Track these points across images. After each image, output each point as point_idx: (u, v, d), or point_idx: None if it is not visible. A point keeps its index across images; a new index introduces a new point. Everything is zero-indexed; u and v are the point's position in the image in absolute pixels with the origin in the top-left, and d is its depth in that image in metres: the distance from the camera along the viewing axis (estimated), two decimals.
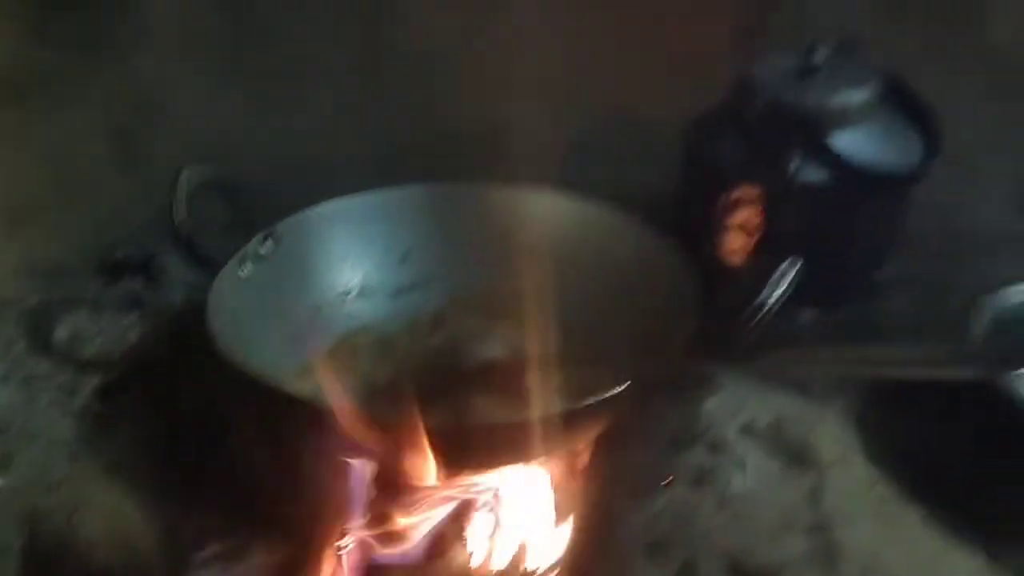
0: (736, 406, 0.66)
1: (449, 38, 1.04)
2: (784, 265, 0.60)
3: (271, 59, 1.03)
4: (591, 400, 0.59)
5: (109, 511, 0.62)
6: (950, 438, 0.63)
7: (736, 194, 0.79)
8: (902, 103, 0.82)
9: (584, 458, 0.67)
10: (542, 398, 0.67)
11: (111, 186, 0.90)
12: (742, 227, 0.80)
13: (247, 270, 0.72)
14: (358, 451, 0.65)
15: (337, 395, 0.71)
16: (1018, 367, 0.50)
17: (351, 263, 0.80)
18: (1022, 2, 1.03)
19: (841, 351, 0.57)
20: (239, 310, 0.69)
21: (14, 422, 0.69)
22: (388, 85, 1.03)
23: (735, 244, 0.81)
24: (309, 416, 0.62)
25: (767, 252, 0.79)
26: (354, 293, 0.80)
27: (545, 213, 0.81)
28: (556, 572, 0.62)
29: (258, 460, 0.65)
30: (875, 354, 0.54)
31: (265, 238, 0.74)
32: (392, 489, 0.70)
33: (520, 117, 1.04)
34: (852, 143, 0.75)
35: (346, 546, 0.67)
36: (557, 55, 1.04)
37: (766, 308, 0.59)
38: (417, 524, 0.69)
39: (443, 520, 0.69)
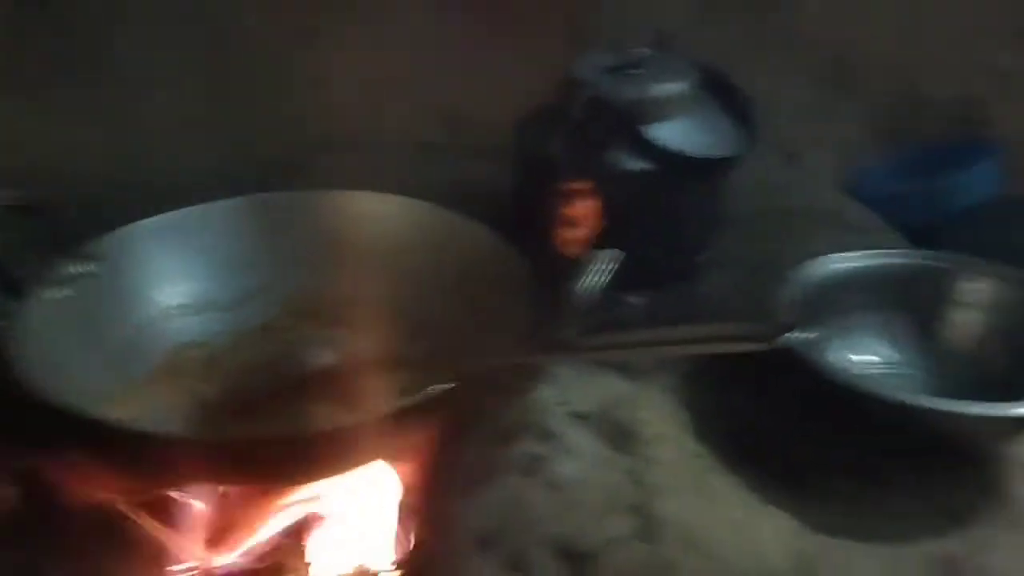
0: (564, 394, 0.67)
1: (285, 42, 1.03)
2: (602, 255, 0.62)
3: (99, 74, 0.99)
4: (417, 399, 0.59)
5: None
6: (761, 408, 0.66)
7: (567, 187, 0.81)
8: (719, 93, 0.85)
9: (419, 457, 0.67)
10: (374, 401, 0.67)
11: None
12: (575, 219, 0.82)
13: (62, 292, 0.68)
14: (189, 474, 0.63)
15: (162, 418, 0.69)
16: (802, 334, 0.52)
17: (180, 278, 0.78)
18: None
19: (652, 333, 0.58)
20: (51, 335, 0.66)
21: None
22: (227, 99, 1.01)
23: (570, 236, 0.83)
24: (126, 442, 0.59)
25: (597, 240, 0.81)
26: (182, 308, 0.77)
27: (377, 216, 0.81)
28: (394, 574, 0.62)
29: (74, 499, 0.62)
30: (680, 334, 0.56)
31: (81, 258, 0.71)
32: (228, 507, 0.68)
33: (357, 121, 1.04)
34: (670, 133, 0.78)
35: (183, 571, 0.65)
36: (396, 58, 1.04)
37: (587, 297, 0.61)
38: (257, 540, 0.67)
39: (283, 533, 0.67)
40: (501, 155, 0.97)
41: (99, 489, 0.63)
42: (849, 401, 0.60)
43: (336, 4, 1.04)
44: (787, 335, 0.50)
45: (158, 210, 0.77)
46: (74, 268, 0.70)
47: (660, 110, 0.80)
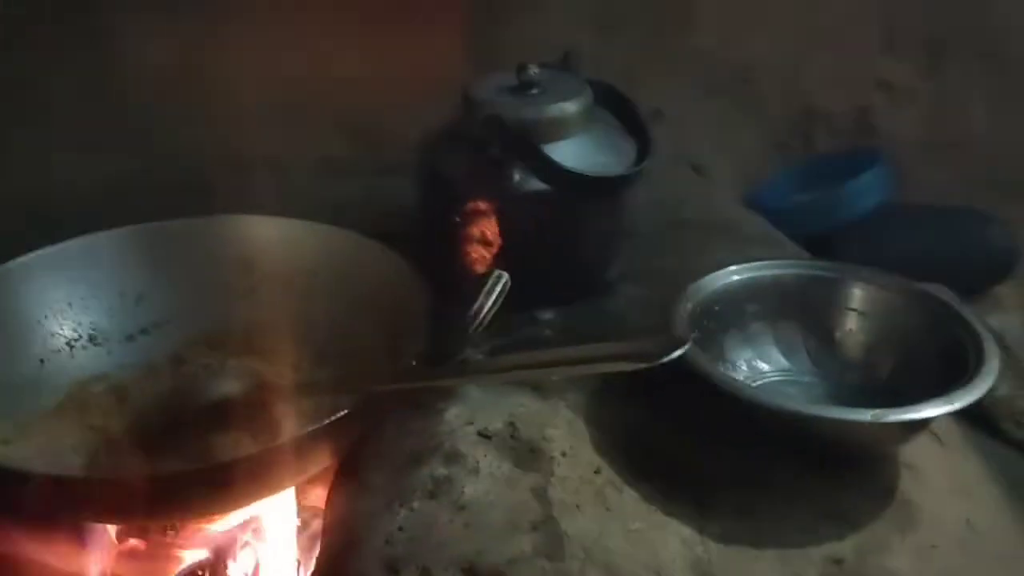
0: (473, 411, 0.68)
1: (177, 59, 1.01)
2: (492, 277, 0.63)
3: None
4: (319, 424, 0.59)
5: None
6: (660, 422, 0.68)
7: (469, 207, 0.82)
8: (615, 111, 0.87)
9: (325, 482, 0.67)
10: (280, 428, 0.66)
11: None
12: (478, 238, 0.83)
13: None
14: (93, 513, 0.62)
15: (59, 455, 0.68)
16: (691, 348, 0.54)
17: (77, 310, 0.76)
18: (723, 10, 1.13)
19: (548, 354, 0.60)
20: None
21: None
22: (121, 122, 0.99)
23: (474, 255, 0.84)
24: (21, 483, 0.58)
25: (501, 259, 0.82)
26: (83, 340, 0.76)
27: (279, 240, 0.81)
28: None
29: None
30: (575, 353, 0.57)
31: None
32: (139, 546, 0.67)
33: (259, 142, 1.03)
34: (569, 152, 0.79)
35: None
36: (296, 76, 1.03)
37: (479, 319, 0.61)
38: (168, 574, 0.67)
39: (195, 567, 0.67)
40: (405, 171, 0.98)
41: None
42: (741, 411, 0.63)
43: (232, 15, 1.02)
44: (674, 351, 0.51)
45: (51, 241, 0.76)
46: None
47: (558, 129, 0.81)
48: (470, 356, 0.66)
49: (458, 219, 0.83)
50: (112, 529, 0.68)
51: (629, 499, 0.62)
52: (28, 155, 0.98)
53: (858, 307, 0.75)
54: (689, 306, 0.71)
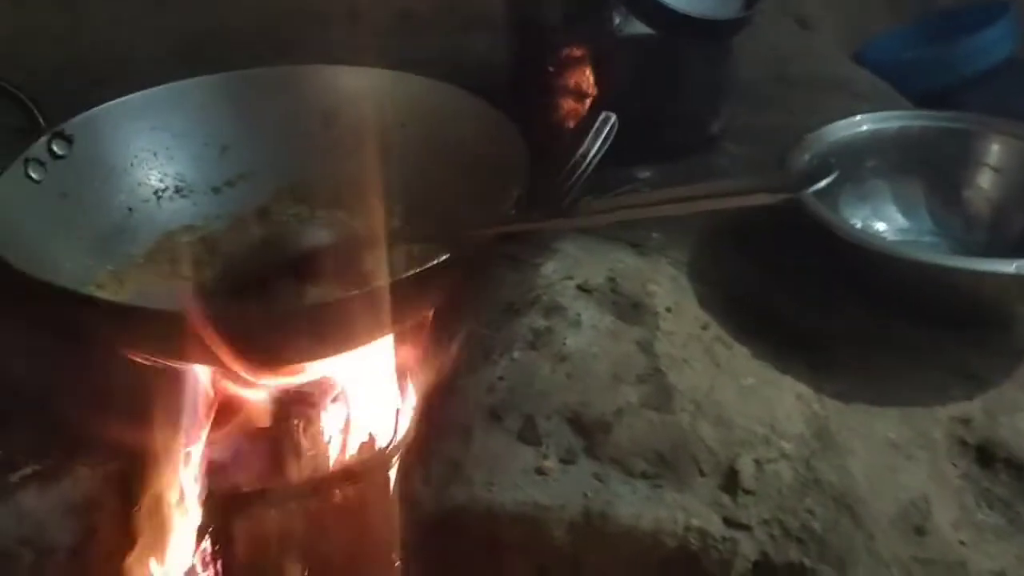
0: (571, 267, 0.65)
1: None
2: (599, 120, 0.58)
3: None
4: (417, 270, 0.57)
5: None
6: (771, 276, 0.64)
7: (563, 54, 0.77)
8: None
9: (423, 332, 0.66)
10: (372, 277, 0.64)
11: None
12: (573, 86, 0.78)
13: (38, 173, 0.65)
14: (188, 354, 0.61)
15: (156, 298, 0.67)
16: (817, 182, 0.49)
17: (162, 159, 0.74)
18: None
19: (662, 192, 0.55)
20: (33, 218, 0.64)
21: None
22: None
23: (568, 104, 0.79)
24: (121, 321, 0.58)
25: (599, 109, 0.77)
26: (170, 191, 0.74)
27: (367, 91, 0.77)
28: (403, 449, 0.61)
29: (75, 375, 0.61)
30: (692, 189, 0.53)
31: (55, 137, 0.67)
32: (229, 389, 0.67)
33: None
34: None
35: (186, 454, 0.64)
36: None
37: (585, 163, 0.57)
38: (260, 422, 0.66)
39: (287, 413, 0.66)
40: (489, 24, 0.92)
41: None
42: (863, 262, 0.58)
43: None
44: (820, 180, 0.47)
45: (132, 89, 0.73)
46: (49, 149, 0.67)
47: None
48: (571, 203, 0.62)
49: (551, 68, 0.78)
50: (206, 373, 0.68)
51: (740, 355, 0.59)
52: (104, 8, 0.95)
53: (993, 162, 0.68)
54: (806, 157, 0.66)
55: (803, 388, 0.56)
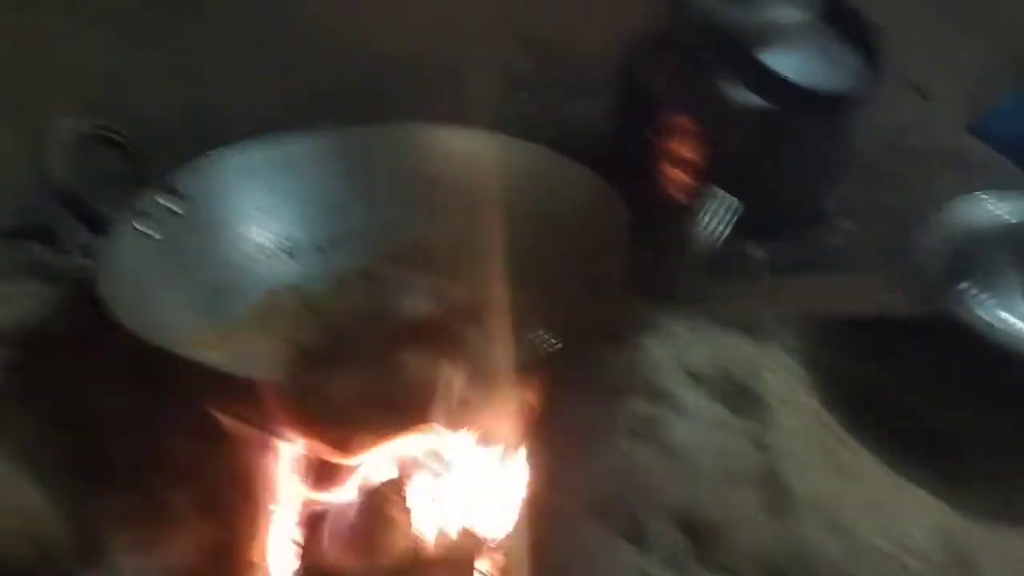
0: (677, 349, 0.62)
1: None
2: (719, 200, 0.56)
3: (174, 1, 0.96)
4: (525, 354, 0.55)
5: (12, 503, 0.57)
6: (896, 372, 0.60)
7: (675, 123, 0.75)
8: (844, 21, 0.77)
9: (524, 414, 0.64)
10: (477, 354, 0.63)
11: (3, 146, 0.83)
12: (683, 159, 0.76)
13: (146, 226, 0.66)
14: (283, 422, 0.61)
15: (257, 362, 0.67)
16: (957, 285, 0.46)
17: (269, 216, 0.75)
18: None
19: (781, 285, 0.53)
20: (139, 271, 0.64)
21: None
22: (298, 19, 0.96)
23: (677, 178, 0.77)
24: (222, 386, 0.57)
25: (709, 182, 0.75)
26: (275, 249, 0.74)
27: (474, 154, 0.76)
28: (497, 537, 0.59)
29: (173, 439, 0.60)
30: (815, 286, 0.50)
31: (165, 191, 0.68)
32: (325, 459, 0.66)
33: (446, 52, 0.99)
34: (792, 63, 0.71)
35: (279, 522, 0.64)
36: None
37: (703, 246, 0.55)
38: (354, 494, 0.65)
39: (382, 489, 0.65)
40: (596, 88, 0.91)
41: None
42: (1000, 360, 0.54)
43: None
44: (940, 294, 0.44)
45: (240, 145, 0.74)
46: (157, 202, 0.67)
47: (780, 38, 0.73)
48: (683, 288, 0.60)
49: (657, 135, 0.76)
50: (297, 438, 0.67)
51: (863, 458, 0.55)
52: (210, 56, 0.97)
53: None
54: (935, 244, 0.62)
55: (933, 499, 0.53)
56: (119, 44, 0.92)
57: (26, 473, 0.60)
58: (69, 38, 0.89)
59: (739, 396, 0.59)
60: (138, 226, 0.64)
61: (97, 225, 0.62)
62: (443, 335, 0.65)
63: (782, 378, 0.60)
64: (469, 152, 0.77)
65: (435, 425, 0.59)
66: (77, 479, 0.60)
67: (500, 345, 0.64)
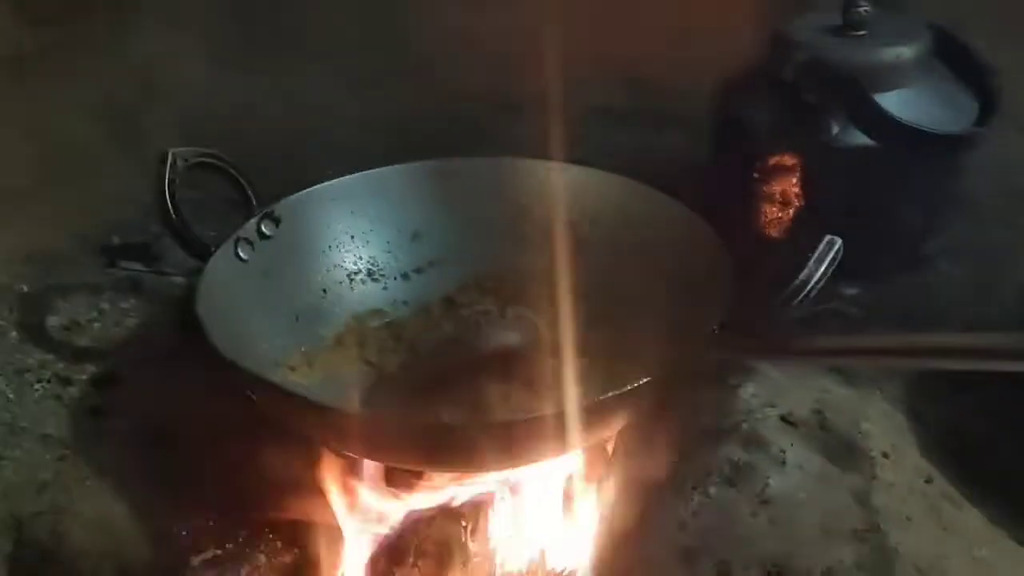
0: (774, 394, 0.60)
1: (462, 6, 0.99)
2: (824, 243, 0.54)
3: (271, 29, 0.98)
4: (614, 393, 0.54)
5: (97, 516, 0.58)
6: (1006, 427, 0.57)
7: (773, 159, 0.73)
8: (955, 59, 0.75)
9: (609, 452, 0.62)
10: (562, 390, 0.62)
11: (109, 167, 0.86)
12: (780, 195, 0.74)
13: (245, 252, 0.67)
14: (363, 447, 0.61)
15: (341, 386, 0.67)
16: None
17: (358, 243, 0.76)
18: None
19: (888, 339, 0.50)
20: (236, 295, 0.65)
21: (3, 418, 0.65)
22: (395, 54, 0.98)
23: (772, 214, 0.75)
24: (305, 411, 0.57)
25: (808, 222, 0.73)
26: (362, 274, 0.75)
27: (563, 187, 0.76)
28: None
29: (256, 457, 0.61)
30: (925, 342, 0.47)
31: (264, 218, 0.70)
32: (403, 485, 0.66)
33: (537, 85, 0.99)
34: (901, 102, 0.69)
35: (356, 545, 0.63)
36: (574, 17, 0.98)
37: (805, 290, 0.53)
38: (429, 521, 0.65)
39: (456, 517, 0.64)
40: (683, 121, 0.90)
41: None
42: None
43: None
44: None
45: (335, 172, 0.75)
46: (257, 229, 0.69)
47: (889, 77, 0.71)
48: (783, 333, 0.58)
49: (757, 174, 0.74)
50: (377, 462, 0.67)
51: (971, 517, 0.52)
52: (312, 89, 0.99)
53: None
54: None
55: None
56: (222, 71, 0.95)
57: (110, 488, 0.61)
58: (173, 64, 0.93)
59: (839, 446, 0.56)
60: (240, 253, 0.66)
61: (199, 249, 0.64)
62: (528, 367, 0.64)
63: (884, 429, 0.57)
64: (557, 184, 0.76)
65: (517, 458, 0.58)
66: (161, 496, 0.61)
67: (587, 380, 0.63)
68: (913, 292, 0.72)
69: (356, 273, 0.75)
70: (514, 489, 0.63)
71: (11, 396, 0.67)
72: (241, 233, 0.67)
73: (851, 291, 0.72)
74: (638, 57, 0.99)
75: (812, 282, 0.53)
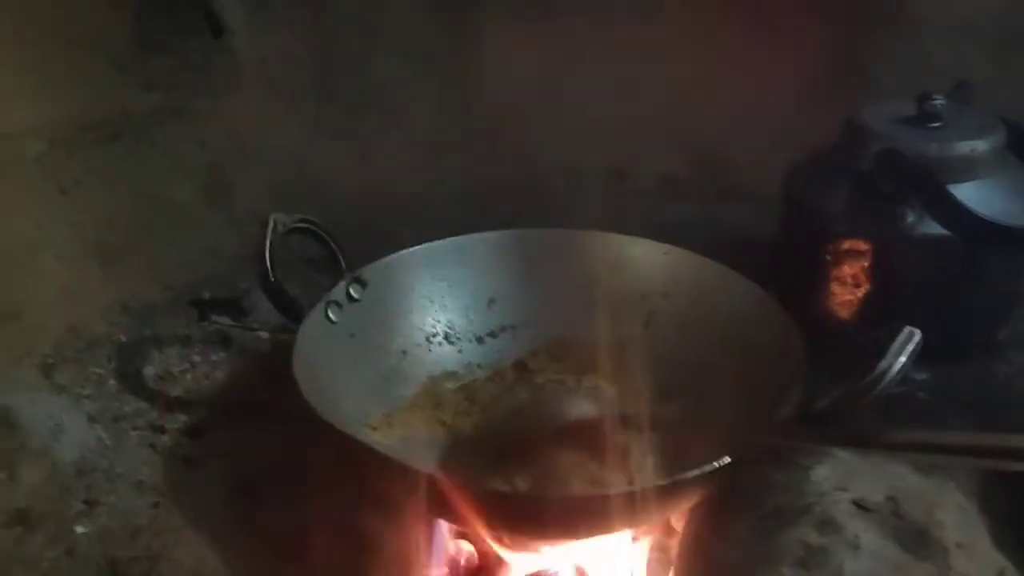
0: (846, 477, 0.61)
1: (537, 77, 1.03)
2: (904, 334, 0.55)
3: (358, 96, 1.03)
4: (694, 472, 0.55)
5: (191, 563, 0.60)
6: None
7: (844, 245, 0.75)
8: None
9: (677, 531, 0.64)
10: (631, 467, 0.64)
11: (202, 224, 0.91)
12: (851, 279, 0.76)
13: (335, 314, 0.71)
14: (438, 509, 0.63)
15: (417, 446, 0.70)
16: None
17: (437, 307, 0.78)
18: None
19: (971, 437, 0.51)
20: (325, 356, 0.68)
21: (100, 464, 0.68)
22: (478, 124, 1.02)
23: (842, 297, 0.77)
24: (388, 469, 0.60)
25: (878, 307, 0.74)
26: (439, 337, 0.78)
27: (636, 261, 0.78)
28: None
29: (343, 514, 0.63)
30: (1009, 443, 0.48)
31: (353, 282, 0.73)
32: (472, 551, 0.68)
33: (609, 159, 1.02)
34: (975, 194, 0.70)
35: None
36: (648, 94, 1.01)
37: (883, 382, 0.54)
38: None
39: None
40: (746, 194, 0.92)
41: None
42: None
43: (592, 40, 1.02)
44: None
45: (416, 236, 0.78)
46: (347, 292, 0.72)
47: (964, 169, 0.72)
48: (860, 425, 0.59)
49: (828, 256, 0.76)
50: (454, 524, 0.68)
51: None
52: (390, 155, 1.03)
53: None
54: None
55: None
56: (306, 133, 1.00)
57: (203, 536, 0.64)
58: (263, 128, 0.97)
59: (912, 534, 0.57)
60: (330, 315, 0.69)
61: (293, 310, 0.67)
62: (601, 439, 0.66)
63: (957, 519, 0.58)
64: (631, 257, 0.79)
65: (586, 531, 0.60)
66: (250, 546, 0.63)
67: (661, 455, 0.65)
68: (984, 379, 0.73)
69: (434, 335, 0.78)
70: (583, 563, 0.64)
71: (108, 443, 0.70)
72: (331, 296, 0.71)
73: (921, 376, 0.73)
74: (705, 130, 1.02)
75: (891, 373, 0.54)
